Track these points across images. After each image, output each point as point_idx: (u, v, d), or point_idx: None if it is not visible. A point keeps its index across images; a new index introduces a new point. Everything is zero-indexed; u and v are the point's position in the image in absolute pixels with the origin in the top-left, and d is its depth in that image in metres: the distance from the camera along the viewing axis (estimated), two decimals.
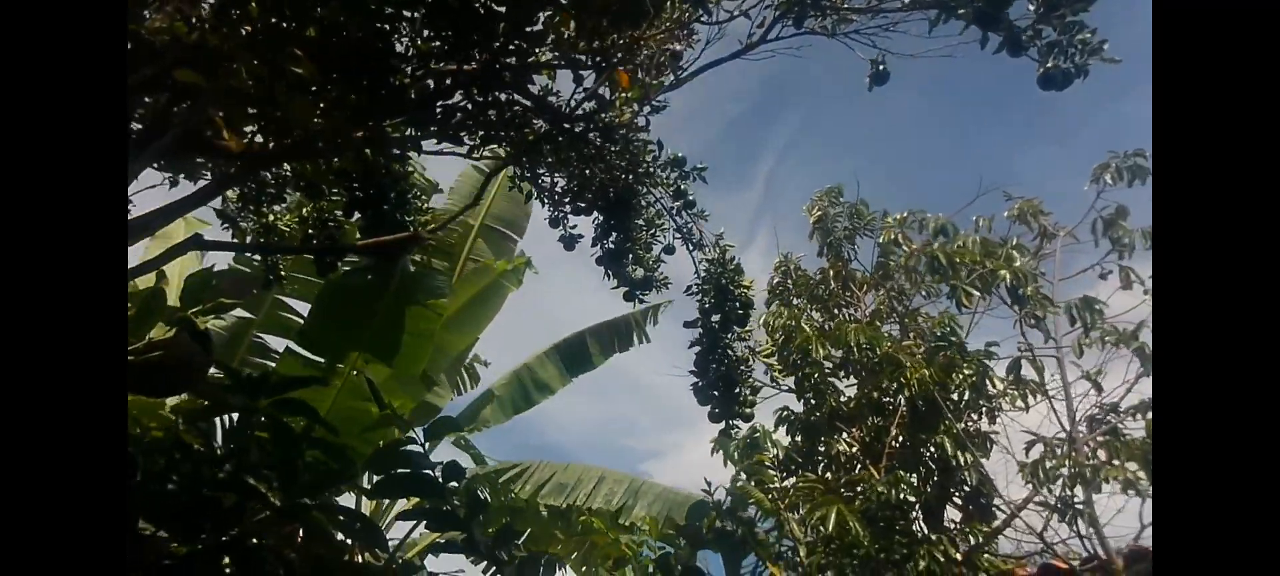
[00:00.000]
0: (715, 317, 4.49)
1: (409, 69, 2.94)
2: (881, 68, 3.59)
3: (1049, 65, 3.18)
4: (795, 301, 7.89)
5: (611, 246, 4.95)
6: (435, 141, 3.67)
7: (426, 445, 2.86)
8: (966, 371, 6.30)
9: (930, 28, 3.20)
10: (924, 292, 7.13)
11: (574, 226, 5.06)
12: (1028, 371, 6.50)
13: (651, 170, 4.53)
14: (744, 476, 6.13)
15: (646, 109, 3.66)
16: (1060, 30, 3.12)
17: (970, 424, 6.75)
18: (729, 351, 4.63)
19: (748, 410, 4.56)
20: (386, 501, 9.20)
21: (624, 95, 3.42)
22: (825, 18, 3.43)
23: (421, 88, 3.05)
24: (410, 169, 5.57)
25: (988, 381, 6.41)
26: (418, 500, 3.40)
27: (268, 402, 2.71)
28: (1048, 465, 5.99)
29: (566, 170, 4.60)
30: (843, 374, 7.04)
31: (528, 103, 3.87)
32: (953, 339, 6.51)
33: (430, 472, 3.21)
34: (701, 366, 4.62)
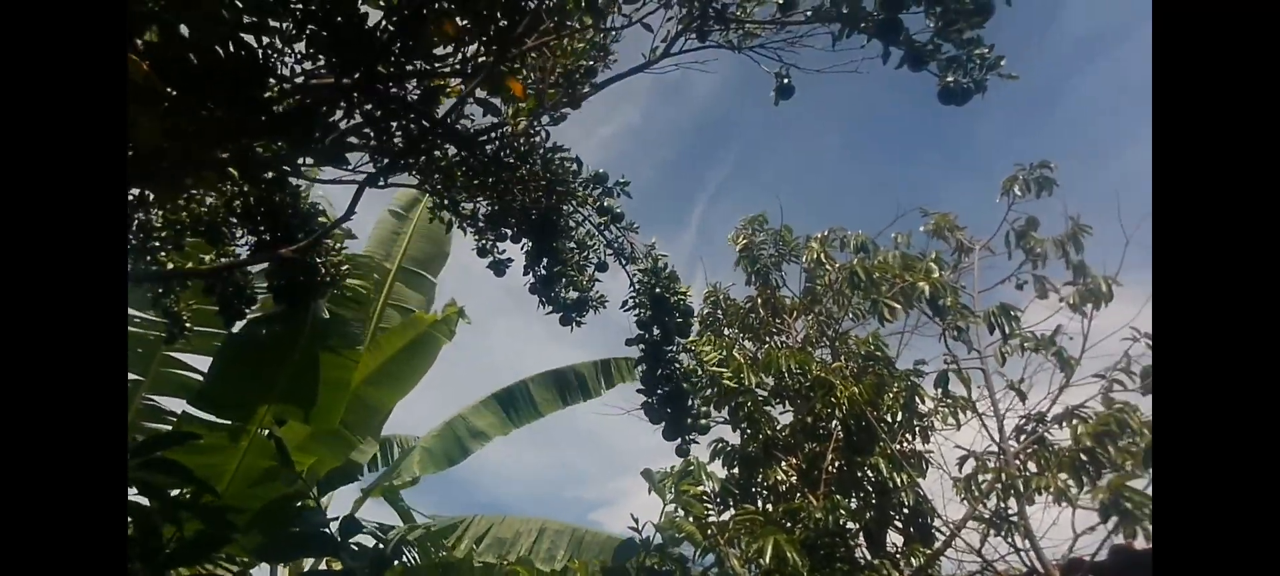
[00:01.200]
0: (655, 331, 4.32)
1: (280, 84, 2.73)
2: (785, 81, 3.58)
3: (949, 80, 3.22)
4: (727, 331, 7.82)
5: (543, 272, 4.76)
6: (318, 166, 3.43)
7: (321, 501, 2.61)
8: (897, 389, 6.30)
9: (834, 42, 3.21)
10: (851, 314, 7.14)
11: (503, 252, 4.86)
12: (957, 387, 6.54)
13: (573, 188, 4.38)
14: (680, 512, 5.91)
15: (546, 119, 3.53)
16: (958, 45, 3.17)
17: (905, 444, 6.74)
18: (676, 364, 4.44)
19: (703, 422, 4.36)
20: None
21: (518, 105, 3.28)
22: (728, 31, 3.40)
23: (300, 105, 2.83)
24: (321, 208, 5.30)
25: (918, 399, 6.41)
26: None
27: (134, 465, 2.43)
28: (980, 480, 5.99)
29: (486, 195, 4.42)
30: (778, 401, 6.96)
31: (434, 128, 3.70)
32: (879, 356, 6.51)
33: (327, 530, 2.92)
34: (649, 383, 4.41)
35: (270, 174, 3.64)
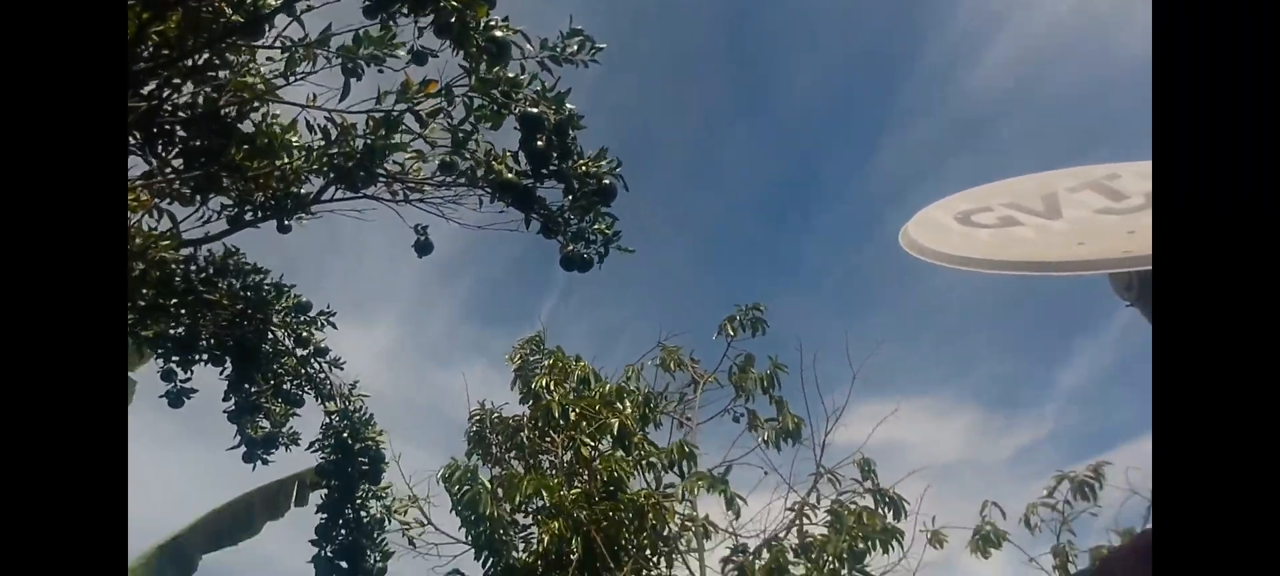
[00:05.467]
0: (335, 480, 4.18)
1: None
2: (423, 239, 3.83)
3: (570, 249, 3.64)
4: (495, 451, 7.75)
5: (242, 400, 4.51)
6: None
7: None
8: (626, 515, 6.52)
9: (480, 205, 3.53)
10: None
11: (187, 379, 4.55)
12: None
13: (270, 316, 4.26)
14: None
15: None
16: (581, 221, 3.60)
17: (655, 570, 6.91)
18: (362, 513, 4.31)
19: None
20: None
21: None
22: (388, 185, 3.60)
23: None
24: None
25: (659, 522, 6.66)
26: None
27: None
28: None
29: (173, 318, 4.15)
30: (531, 527, 6.92)
31: None
32: (618, 478, 6.71)
33: None
34: (324, 534, 4.23)
35: None
